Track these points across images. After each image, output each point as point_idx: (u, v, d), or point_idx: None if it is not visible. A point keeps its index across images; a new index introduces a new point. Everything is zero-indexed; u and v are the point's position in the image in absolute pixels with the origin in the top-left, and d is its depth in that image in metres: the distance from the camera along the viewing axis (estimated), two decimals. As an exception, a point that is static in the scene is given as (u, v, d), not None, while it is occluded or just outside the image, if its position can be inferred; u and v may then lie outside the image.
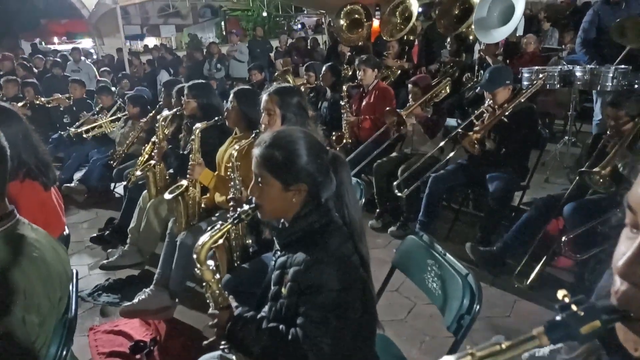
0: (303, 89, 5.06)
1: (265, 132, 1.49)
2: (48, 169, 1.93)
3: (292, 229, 1.29)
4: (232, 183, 2.20)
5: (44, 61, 9.25)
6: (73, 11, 13.97)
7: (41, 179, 1.88)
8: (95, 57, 12.68)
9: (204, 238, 1.27)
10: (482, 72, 4.77)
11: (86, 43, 17.81)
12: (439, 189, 3.30)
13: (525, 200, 3.42)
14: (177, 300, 2.69)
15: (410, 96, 3.79)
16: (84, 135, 5.05)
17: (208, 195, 2.76)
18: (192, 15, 23.30)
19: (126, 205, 3.68)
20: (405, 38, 6.10)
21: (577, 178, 2.57)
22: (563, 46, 6.15)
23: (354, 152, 3.96)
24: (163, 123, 3.37)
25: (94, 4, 10.49)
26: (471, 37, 5.59)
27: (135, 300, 2.67)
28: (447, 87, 3.81)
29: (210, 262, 1.28)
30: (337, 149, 4.19)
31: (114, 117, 5.12)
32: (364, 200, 2.37)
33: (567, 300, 0.55)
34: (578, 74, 3.96)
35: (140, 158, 3.86)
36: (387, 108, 3.77)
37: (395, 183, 3.42)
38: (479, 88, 3.55)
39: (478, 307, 1.33)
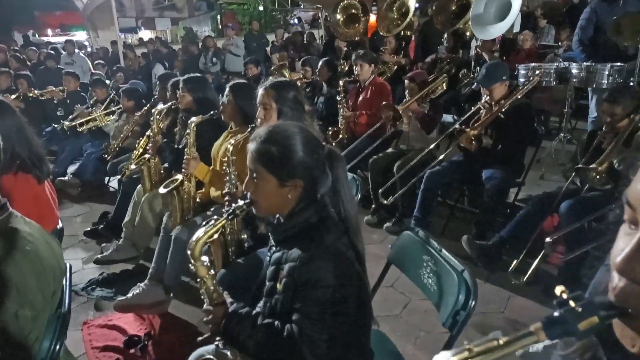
0: (299, 84, 5.06)
1: (261, 127, 1.48)
2: (42, 162, 1.91)
3: (287, 225, 1.29)
4: (227, 178, 2.19)
5: (38, 53, 9.15)
6: (67, 3, 13.86)
7: (35, 172, 1.87)
8: (89, 49, 12.58)
9: (198, 234, 1.26)
10: (478, 68, 4.78)
11: (80, 35, 17.66)
12: (434, 185, 3.30)
13: (521, 196, 3.43)
14: (171, 294, 2.68)
15: (406, 92, 3.78)
16: (78, 129, 5.00)
17: (203, 189, 2.75)
18: (187, 8, 23.16)
19: (120, 199, 3.65)
20: (402, 34, 6.09)
21: (573, 175, 2.58)
22: (559, 43, 6.14)
23: (350, 147, 3.95)
24: (158, 117, 3.34)
25: (89, -5, 10.40)
26: (468, 34, 5.60)
27: (130, 294, 2.66)
28: (444, 84, 3.81)
29: (205, 258, 1.27)
30: (333, 144, 4.19)
31: (108, 111, 5.08)
32: (359, 195, 2.37)
33: (565, 296, 0.55)
34: (574, 71, 3.97)
35: (134, 152, 3.83)
36: (384, 103, 3.76)
37: (380, 190, 3.45)
38: (475, 84, 3.55)
39: (473, 303, 1.33)
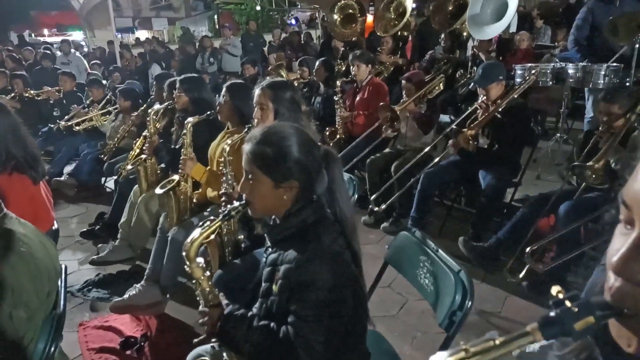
0: (296, 84, 5.05)
1: (256, 128, 1.47)
2: (37, 163, 1.91)
3: (283, 226, 1.28)
4: (224, 178, 2.18)
5: (34, 53, 9.12)
6: (63, 3, 13.81)
7: (30, 173, 1.86)
8: (86, 49, 12.53)
9: (193, 235, 1.25)
10: (475, 68, 4.78)
11: (77, 35, 17.60)
12: (431, 185, 3.31)
13: (517, 197, 3.43)
14: (168, 295, 2.67)
15: (403, 92, 3.78)
16: (75, 129, 4.99)
17: (200, 190, 2.75)
18: (184, 8, 23.12)
19: (117, 199, 3.64)
20: (399, 34, 6.09)
21: (569, 173, 2.59)
22: (556, 43, 6.17)
23: (347, 148, 3.95)
24: (154, 117, 3.33)
25: (85, -5, 10.37)
26: (465, 34, 5.61)
27: (126, 295, 2.65)
28: (441, 84, 3.81)
29: (200, 260, 1.26)
30: (331, 144, 4.18)
31: (104, 111, 5.07)
32: (356, 196, 2.37)
33: (561, 296, 0.55)
34: (570, 71, 3.98)
35: (131, 152, 3.82)
36: (381, 103, 3.76)
37: (372, 197, 3.45)
38: (472, 84, 3.55)
39: (470, 303, 1.33)
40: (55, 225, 2.07)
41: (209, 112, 2.70)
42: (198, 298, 1.29)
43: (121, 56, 9.35)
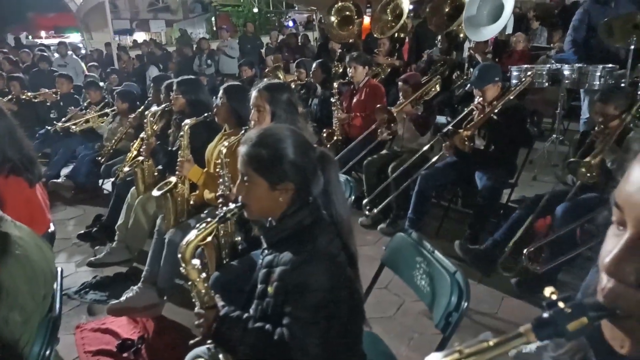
0: (293, 86, 5.06)
1: (252, 130, 1.47)
2: (33, 165, 1.90)
3: (279, 228, 1.28)
4: (221, 180, 2.18)
5: (32, 56, 9.10)
6: (61, 4, 13.78)
7: (26, 175, 1.86)
8: (83, 51, 12.51)
9: (189, 237, 1.25)
10: (471, 69, 4.79)
11: (74, 37, 17.57)
12: (428, 187, 3.31)
13: (514, 197, 3.44)
14: (165, 297, 2.67)
15: (400, 94, 3.79)
16: (71, 130, 4.97)
17: (197, 192, 2.74)
18: (182, 10, 23.09)
19: (114, 201, 3.64)
20: (396, 35, 6.10)
21: (565, 170, 2.59)
22: (551, 45, 6.19)
23: (345, 149, 3.96)
24: (152, 119, 3.33)
25: (82, -3, 10.37)
26: (461, 35, 5.62)
27: (123, 297, 2.65)
28: (437, 85, 3.82)
29: (196, 261, 1.26)
30: (328, 146, 4.19)
31: (102, 112, 5.06)
32: (353, 197, 2.37)
33: (554, 297, 0.55)
34: (566, 72, 4.00)
35: (128, 154, 3.82)
36: (378, 105, 3.77)
37: (364, 202, 3.49)
38: (468, 85, 3.57)
39: (466, 304, 1.33)
40: (52, 228, 2.07)
41: (206, 114, 2.70)
42: (194, 300, 1.29)
43: (118, 58, 9.34)
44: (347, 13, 6.67)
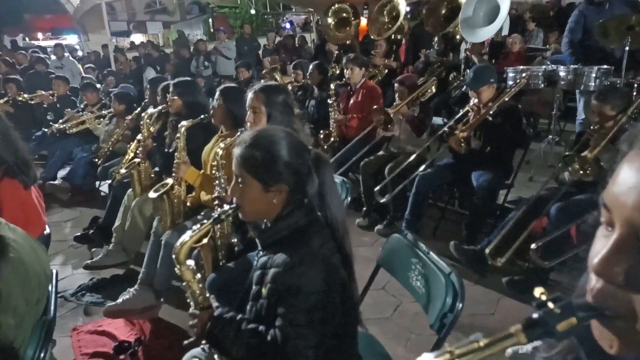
0: (290, 87, 5.07)
1: (246, 132, 1.48)
2: (28, 167, 1.90)
3: (273, 230, 1.28)
4: (217, 182, 2.18)
5: (29, 57, 9.08)
6: (57, 6, 13.77)
7: (21, 178, 1.85)
8: (80, 53, 12.50)
9: (183, 238, 1.25)
10: (468, 71, 4.80)
11: (72, 39, 17.54)
12: (425, 188, 3.32)
13: (510, 198, 3.45)
14: (162, 299, 2.67)
15: (396, 95, 3.80)
16: (68, 131, 4.96)
17: (193, 193, 2.74)
18: (179, 12, 23.08)
19: (111, 203, 3.63)
20: (392, 37, 6.12)
21: (561, 165, 2.60)
22: (547, 46, 6.22)
23: (341, 151, 3.96)
24: (148, 121, 3.33)
25: (79, -1, 10.35)
26: (458, 37, 5.65)
27: (120, 299, 2.64)
28: (433, 86, 3.83)
29: (190, 262, 1.26)
30: (325, 147, 4.20)
31: (98, 114, 5.05)
32: (349, 199, 2.37)
33: (544, 297, 0.55)
34: (562, 73, 4.02)
35: (125, 156, 3.81)
36: (374, 106, 3.78)
37: (376, 189, 3.43)
38: (465, 87, 3.58)
39: (461, 305, 1.33)
40: (47, 230, 2.06)
41: (202, 116, 2.70)
42: (188, 300, 1.29)
43: (115, 60, 9.33)
44: (344, 15, 6.69)
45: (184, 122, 2.68)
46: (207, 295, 1.29)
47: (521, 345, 0.87)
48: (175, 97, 3.14)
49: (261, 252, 1.33)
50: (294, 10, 18.14)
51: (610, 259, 0.54)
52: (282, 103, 2.16)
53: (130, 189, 3.31)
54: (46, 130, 5.20)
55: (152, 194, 2.64)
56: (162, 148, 3.31)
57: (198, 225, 1.28)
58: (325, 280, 1.16)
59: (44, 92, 5.67)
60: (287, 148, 1.26)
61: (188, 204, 2.73)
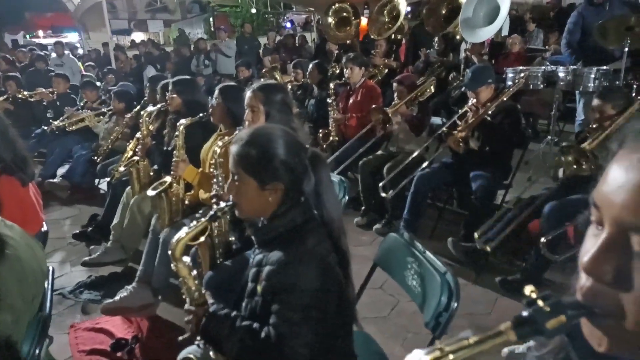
0: (290, 86, 5.07)
1: (244, 130, 1.48)
2: (26, 165, 1.90)
3: (269, 227, 1.29)
4: (215, 180, 2.19)
5: (30, 55, 9.07)
6: (58, 4, 13.76)
7: (19, 175, 1.86)
8: (81, 51, 12.49)
9: (179, 234, 1.26)
10: (467, 71, 4.81)
11: (72, 37, 17.53)
12: (424, 187, 3.32)
13: (508, 198, 3.45)
14: (159, 297, 2.67)
15: (395, 94, 3.80)
16: (67, 129, 4.96)
17: (192, 192, 2.75)
18: (180, 10, 23.07)
19: (109, 201, 3.63)
20: (393, 37, 6.12)
21: (560, 153, 2.61)
22: (547, 47, 6.23)
23: (340, 150, 3.97)
24: (147, 119, 3.33)
25: (80, -3, 10.35)
26: (458, 37, 5.65)
27: (117, 297, 2.65)
28: (432, 86, 3.83)
29: (186, 259, 1.27)
30: (324, 146, 4.20)
31: (98, 112, 5.05)
32: (347, 198, 2.37)
33: (534, 295, 0.56)
34: (561, 74, 4.02)
35: (124, 154, 3.82)
36: (373, 106, 3.78)
37: (381, 184, 3.43)
38: (464, 87, 3.58)
39: (456, 304, 1.33)
40: (45, 227, 2.06)
41: (201, 114, 2.71)
42: (184, 296, 1.30)
43: (116, 58, 9.33)
44: (345, 14, 6.70)
45: (182, 120, 2.68)
46: (203, 291, 1.30)
47: (517, 346, 0.87)
48: (175, 95, 3.15)
49: (257, 250, 1.33)
50: (294, 9, 18.14)
51: (599, 257, 0.54)
52: (281, 102, 2.17)
53: (129, 187, 3.31)
54: (46, 128, 5.20)
55: (150, 192, 2.64)
56: (161, 146, 3.31)
57: (194, 222, 1.28)
58: (320, 279, 1.16)
59: (43, 90, 5.68)
60: (284, 146, 1.26)
61: (186, 202, 2.73)
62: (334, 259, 1.24)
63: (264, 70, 6.59)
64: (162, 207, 2.65)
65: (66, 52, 9.19)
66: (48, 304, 1.30)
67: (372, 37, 6.20)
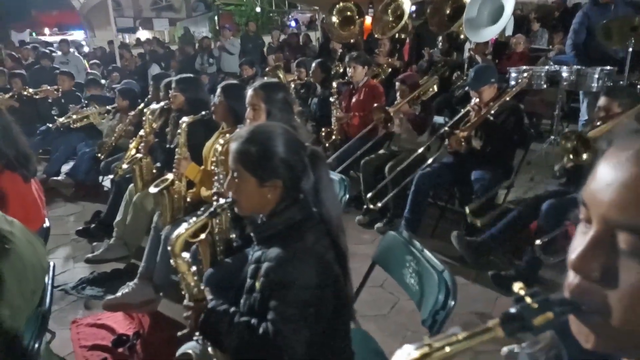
0: (294, 85, 5.08)
1: (244, 127, 1.49)
2: (28, 161, 1.92)
3: (268, 224, 1.30)
4: (216, 177, 2.20)
5: (36, 52, 9.11)
6: (64, 2, 13.82)
7: (21, 171, 1.87)
8: (86, 49, 12.54)
9: (179, 230, 1.27)
10: (470, 70, 4.80)
11: (78, 35, 17.61)
12: (425, 186, 3.32)
13: (510, 198, 3.45)
14: (161, 294, 2.68)
15: (398, 94, 3.80)
16: (72, 126, 4.99)
17: (194, 189, 2.76)
18: (185, 9, 23.13)
19: (113, 198, 3.66)
20: (396, 36, 6.11)
21: (561, 139, 2.61)
22: (551, 47, 6.20)
23: (343, 149, 3.97)
24: (150, 117, 3.35)
25: (85, -5, 10.39)
26: (462, 36, 5.63)
27: (119, 293, 2.66)
28: (435, 85, 3.83)
29: (186, 255, 1.28)
30: (327, 144, 4.21)
31: (102, 109, 5.08)
32: (347, 196, 2.38)
33: (522, 292, 0.56)
34: (564, 74, 4.01)
35: (127, 151, 3.84)
36: (375, 105, 3.79)
37: (369, 195, 3.45)
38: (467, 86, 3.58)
39: (453, 302, 1.34)
40: (47, 223, 2.08)
41: (203, 112, 2.72)
42: (183, 292, 1.31)
43: (121, 56, 9.36)
44: (349, 13, 6.68)
45: (185, 118, 2.69)
46: (202, 287, 1.31)
47: (516, 345, 0.88)
48: (178, 93, 3.16)
49: (256, 247, 1.34)
50: (299, 8, 18.12)
51: (586, 255, 0.55)
52: (282, 100, 2.18)
53: (132, 184, 3.33)
54: (50, 125, 5.23)
55: (152, 189, 2.66)
56: (164, 144, 3.33)
57: (194, 218, 1.29)
58: (318, 276, 1.17)
59: (49, 87, 5.70)
60: (283, 144, 1.27)
61: (188, 199, 2.74)
62: (332, 256, 1.24)
63: (267, 69, 6.60)
64: (164, 205, 2.67)
65: (71, 49, 9.22)
66: (48, 299, 1.32)
67: (376, 36, 6.19)
